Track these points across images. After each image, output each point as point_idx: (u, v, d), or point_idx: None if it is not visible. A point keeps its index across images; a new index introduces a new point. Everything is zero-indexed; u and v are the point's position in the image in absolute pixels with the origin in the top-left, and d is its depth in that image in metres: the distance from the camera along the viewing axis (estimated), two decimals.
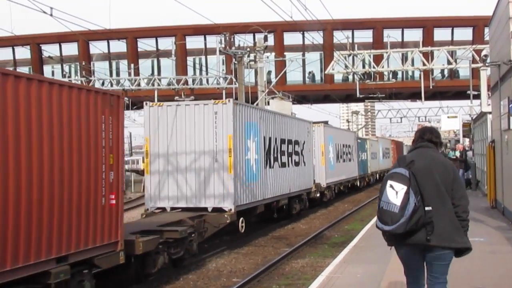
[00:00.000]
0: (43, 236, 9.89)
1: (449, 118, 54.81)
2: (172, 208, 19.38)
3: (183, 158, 19.30)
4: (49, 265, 10.07)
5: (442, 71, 50.23)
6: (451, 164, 7.13)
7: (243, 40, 36.83)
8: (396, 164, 7.08)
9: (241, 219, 19.88)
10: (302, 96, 54.66)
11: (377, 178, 58.48)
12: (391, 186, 6.69)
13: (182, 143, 19.30)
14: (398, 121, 79.63)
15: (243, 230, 20.20)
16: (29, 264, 9.53)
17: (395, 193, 6.62)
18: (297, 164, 27.68)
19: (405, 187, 6.61)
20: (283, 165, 25.20)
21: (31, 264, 9.59)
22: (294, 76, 55.61)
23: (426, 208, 6.66)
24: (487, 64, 29.84)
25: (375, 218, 22.74)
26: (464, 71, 49.80)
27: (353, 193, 44.23)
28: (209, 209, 18.95)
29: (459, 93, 55.55)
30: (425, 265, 6.96)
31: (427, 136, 7.19)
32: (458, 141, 54.24)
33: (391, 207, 6.60)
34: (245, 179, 20.30)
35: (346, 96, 60.69)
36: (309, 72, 56.24)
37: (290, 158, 26.48)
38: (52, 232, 10.11)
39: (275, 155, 24.18)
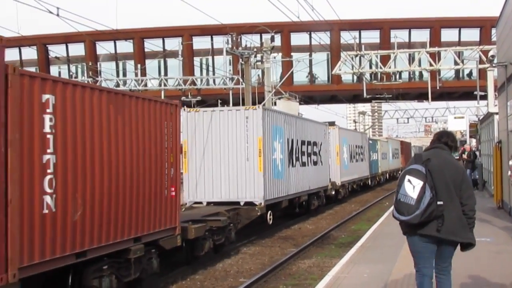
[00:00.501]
0: (126, 219, 12.19)
1: (456, 118, 54.86)
2: (208, 203, 21.31)
3: (218, 157, 21.32)
4: (129, 243, 12.38)
5: (456, 71, 50.19)
6: (462, 167, 7.91)
7: (250, 40, 36.87)
8: (413, 160, 7.71)
9: (269, 212, 22.25)
10: (309, 96, 54.68)
11: (387, 177, 60.46)
12: (409, 180, 7.36)
13: (217, 144, 21.34)
14: (405, 121, 79.64)
15: (271, 222, 22.56)
16: (116, 242, 11.83)
17: (412, 187, 7.30)
18: (315, 163, 29.82)
19: (421, 182, 7.27)
20: (303, 164, 27.30)
21: (118, 242, 11.89)
22: (301, 76, 55.66)
23: (438, 202, 7.28)
24: (494, 65, 29.80)
25: (382, 219, 22.79)
26: (471, 71, 49.79)
27: (359, 193, 44.19)
28: (241, 203, 20.96)
29: (466, 94, 55.50)
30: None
31: (444, 139, 7.87)
32: (464, 141, 54.21)
33: (408, 199, 7.28)
34: (272, 176, 22.41)
35: (353, 96, 60.71)
36: (308, 74, 56.15)
37: (309, 158, 28.62)
38: (132, 217, 12.42)
39: (297, 155, 26.31)
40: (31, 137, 9.61)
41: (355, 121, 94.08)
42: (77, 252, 10.61)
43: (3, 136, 9.04)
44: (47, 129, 9.93)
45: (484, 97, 39.38)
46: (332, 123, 37.22)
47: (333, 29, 47.93)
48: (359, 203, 37.74)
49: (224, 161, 21.21)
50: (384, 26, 55.13)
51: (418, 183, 7.28)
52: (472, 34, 54.10)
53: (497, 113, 28.06)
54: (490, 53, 32.98)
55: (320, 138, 31.16)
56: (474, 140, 53.99)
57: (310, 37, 52.60)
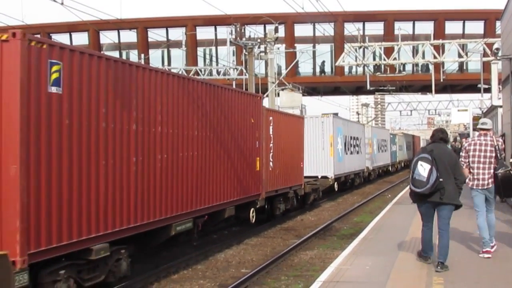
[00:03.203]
0: (288, 177, 24.27)
1: (459, 111, 54.83)
2: None
3: (305, 147, 29.40)
4: (288, 189, 24.49)
5: (460, 64, 50.01)
6: (454, 154, 11.60)
7: (254, 31, 36.79)
8: (420, 151, 11.39)
9: (336, 183, 34.16)
10: (312, 88, 54.55)
11: (403, 165, 71.94)
12: (421, 165, 10.85)
13: (304, 139, 29.94)
14: (408, 114, 79.54)
15: (337, 189, 35.14)
16: (284, 187, 23.83)
17: (423, 169, 10.79)
18: (357, 152, 42.00)
19: (429, 166, 10.78)
20: (351, 153, 39.23)
21: (285, 187, 23.89)
22: (304, 68, 55.56)
23: (440, 179, 10.76)
24: (498, 58, 29.75)
25: (384, 211, 22.97)
26: (475, 64, 49.63)
27: (361, 186, 44.23)
28: (319, 176, 32.15)
29: (470, 87, 55.35)
30: (435, 214, 11.23)
31: (440, 135, 11.36)
32: (467, 135, 54.21)
33: (421, 177, 10.79)
34: (337, 160, 34.02)
35: (356, 88, 60.57)
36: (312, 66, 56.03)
37: (354, 149, 40.56)
38: (290, 177, 24.59)
39: (348, 146, 38.05)
40: (267, 136, 21.25)
41: (358, 113, 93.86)
42: (275, 189, 22.28)
43: (261, 136, 20.51)
44: (270, 132, 21.87)
45: (488, 90, 39.36)
46: (335, 115, 37.38)
47: (337, 21, 47.74)
48: (361, 195, 37.75)
49: (308, 150, 30.61)
50: (388, 18, 54.97)
51: (427, 166, 10.76)
52: (476, 27, 53.91)
53: (501, 106, 28.05)
54: (495, 46, 32.92)
55: (360, 134, 43.40)
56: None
57: (314, 28, 52.46)
